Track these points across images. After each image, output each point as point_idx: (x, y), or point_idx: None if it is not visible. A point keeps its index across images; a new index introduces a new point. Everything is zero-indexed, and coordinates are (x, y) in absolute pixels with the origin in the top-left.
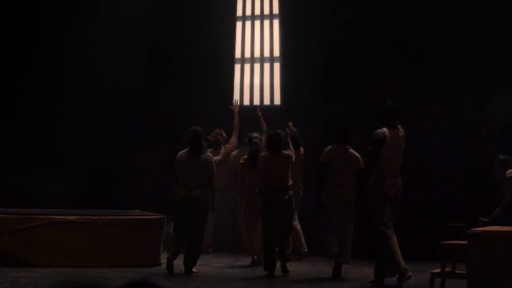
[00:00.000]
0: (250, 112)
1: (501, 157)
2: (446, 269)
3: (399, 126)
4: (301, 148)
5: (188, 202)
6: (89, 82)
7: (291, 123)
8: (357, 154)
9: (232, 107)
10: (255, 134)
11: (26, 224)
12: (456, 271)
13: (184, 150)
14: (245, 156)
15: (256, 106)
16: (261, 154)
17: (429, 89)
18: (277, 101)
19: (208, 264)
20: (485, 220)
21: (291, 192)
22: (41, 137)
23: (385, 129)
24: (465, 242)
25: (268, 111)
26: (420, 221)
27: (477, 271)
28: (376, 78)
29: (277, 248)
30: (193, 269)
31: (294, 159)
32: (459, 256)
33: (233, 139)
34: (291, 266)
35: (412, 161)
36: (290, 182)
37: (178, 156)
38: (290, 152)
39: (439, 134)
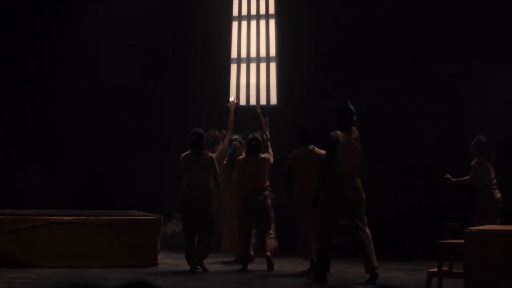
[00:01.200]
0: (246, 112)
1: (481, 138)
2: (443, 268)
3: (353, 129)
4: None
5: (191, 202)
6: (86, 82)
7: (267, 118)
8: (323, 152)
9: (228, 105)
10: (235, 136)
11: (23, 224)
12: (453, 270)
13: (187, 152)
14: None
15: (254, 106)
16: (239, 157)
17: (427, 89)
18: (273, 101)
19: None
20: (452, 178)
21: (266, 193)
22: (37, 138)
23: (338, 132)
24: (462, 241)
25: (264, 111)
26: (417, 220)
27: (474, 270)
28: (374, 78)
29: (253, 241)
30: (197, 266)
31: (272, 162)
32: (456, 255)
33: (225, 139)
34: (288, 264)
35: (409, 161)
36: (267, 183)
37: (181, 158)
38: (268, 155)
39: (437, 134)
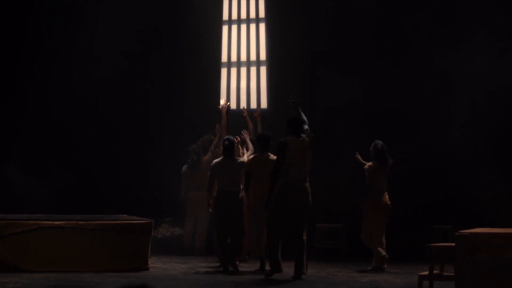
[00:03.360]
0: (237, 116)
1: (377, 143)
2: (434, 271)
3: (303, 136)
4: None
5: (225, 206)
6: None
7: (259, 109)
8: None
9: (219, 107)
10: (227, 137)
11: (14, 229)
12: (444, 273)
13: (219, 159)
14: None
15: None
16: (215, 160)
17: (418, 91)
18: (264, 104)
19: (195, 268)
20: (361, 159)
21: (239, 196)
22: (27, 143)
23: (288, 138)
24: (453, 244)
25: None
26: (408, 223)
27: (465, 273)
28: (363, 81)
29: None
30: (229, 265)
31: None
32: (447, 258)
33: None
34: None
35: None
36: (241, 187)
37: (213, 164)
38: (241, 158)
39: (427, 138)
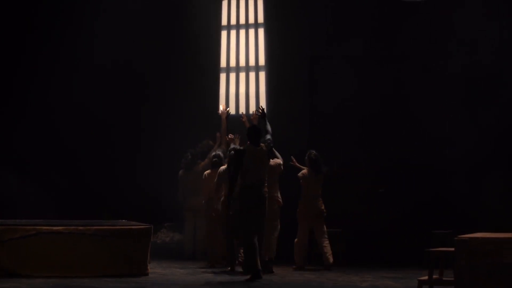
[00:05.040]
0: (236, 121)
1: (311, 153)
2: (434, 276)
3: (261, 144)
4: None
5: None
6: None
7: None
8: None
9: (219, 113)
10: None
11: (13, 234)
12: (444, 278)
13: (225, 166)
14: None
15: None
16: (221, 167)
17: (417, 95)
18: None
19: (194, 273)
20: (296, 163)
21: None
22: (25, 148)
23: (246, 146)
24: (452, 249)
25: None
26: (407, 228)
27: (464, 278)
28: (361, 85)
29: None
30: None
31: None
32: (446, 263)
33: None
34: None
35: (398, 169)
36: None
37: (221, 171)
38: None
39: (427, 141)
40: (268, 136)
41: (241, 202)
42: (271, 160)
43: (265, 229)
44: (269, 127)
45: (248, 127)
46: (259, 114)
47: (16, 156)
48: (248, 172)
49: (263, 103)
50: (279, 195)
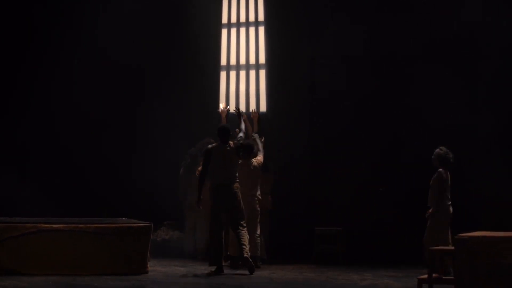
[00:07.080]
0: (235, 119)
1: (440, 150)
2: (434, 275)
3: (230, 143)
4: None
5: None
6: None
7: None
8: None
9: (219, 111)
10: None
11: (12, 232)
12: (444, 277)
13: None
14: None
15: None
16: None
17: (416, 96)
18: (263, 108)
19: (194, 271)
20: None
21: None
22: (25, 147)
23: (214, 145)
24: (452, 248)
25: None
26: (407, 226)
27: (464, 277)
28: (362, 84)
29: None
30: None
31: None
32: (446, 262)
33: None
34: (276, 272)
35: (398, 168)
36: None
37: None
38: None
39: (426, 142)
40: (241, 134)
41: (212, 200)
42: (254, 159)
43: (247, 226)
44: (243, 126)
45: (219, 127)
46: (235, 113)
47: (16, 155)
48: (216, 170)
49: (263, 102)
50: (258, 194)
